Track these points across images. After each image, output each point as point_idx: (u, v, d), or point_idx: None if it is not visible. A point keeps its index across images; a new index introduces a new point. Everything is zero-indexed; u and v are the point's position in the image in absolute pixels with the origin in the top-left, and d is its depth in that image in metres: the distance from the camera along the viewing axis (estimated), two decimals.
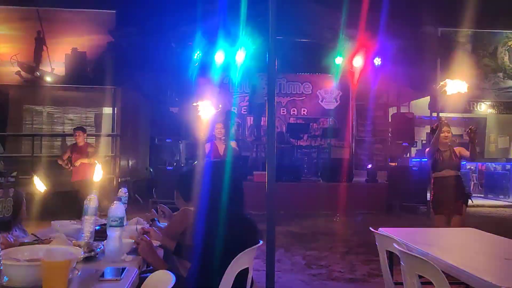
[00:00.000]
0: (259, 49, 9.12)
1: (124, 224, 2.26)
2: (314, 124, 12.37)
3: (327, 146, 11.36)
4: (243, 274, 2.15)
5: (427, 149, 5.17)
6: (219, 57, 9.72)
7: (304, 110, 12.35)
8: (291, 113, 12.34)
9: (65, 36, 10.32)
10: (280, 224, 7.56)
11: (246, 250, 2.09)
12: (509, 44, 11.49)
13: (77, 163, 6.90)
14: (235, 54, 9.59)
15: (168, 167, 9.60)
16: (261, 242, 2.31)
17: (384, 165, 11.15)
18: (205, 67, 10.12)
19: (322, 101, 12.32)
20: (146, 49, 9.39)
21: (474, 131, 4.78)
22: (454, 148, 4.94)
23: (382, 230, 3.20)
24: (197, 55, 9.84)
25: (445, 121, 5.12)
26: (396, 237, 2.95)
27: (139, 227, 2.64)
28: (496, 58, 11.49)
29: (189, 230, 2.32)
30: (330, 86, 12.19)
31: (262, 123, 11.18)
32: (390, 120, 11.91)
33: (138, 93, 10.99)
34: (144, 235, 2.37)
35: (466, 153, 4.83)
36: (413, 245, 2.82)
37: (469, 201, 5.00)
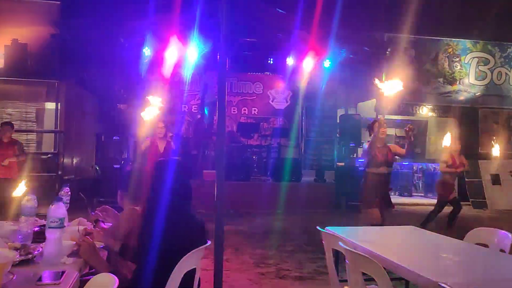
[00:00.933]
0: (211, 47, 9.06)
1: (65, 225, 2.16)
2: (265, 123, 12.47)
3: (277, 145, 11.49)
4: (190, 274, 2.12)
5: (366, 145, 5.33)
6: (170, 54, 9.54)
7: (255, 110, 12.41)
8: (242, 113, 12.36)
9: (5, 26, 9.72)
10: (229, 223, 7.54)
11: (193, 250, 2.06)
12: (449, 51, 12.14)
13: (5, 162, 6.46)
14: (186, 52, 9.47)
15: (115, 165, 9.32)
16: (209, 242, 2.29)
17: (332, 165, 11.43)
18: (155, 63, 9.91)
19: (272, 101, 12.44)
20: (92, 43, 9.05)
21: (412, 129, 5.00)
22: (389, 145, 5.17)
23: (328, 229, 3.27)
24: (147, 51, 9.62)
25: (382, 119, 5.33)
26: (342, 235, 3.03)
27: (81, 228, 2.53)
28: (437, 64, 12.10)
29: (135, 230, 2.26)
30: (281, 86, 12.34)
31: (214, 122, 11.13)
32: (338, 121, 12.21)
33: (84, 88, 10.57)
34: (87, 237, 2.28)
35: (401, 150, 5.07)
36: (358, 243, 2.90)
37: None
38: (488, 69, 12.17)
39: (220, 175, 3.53)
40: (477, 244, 3.21)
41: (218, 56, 3.64)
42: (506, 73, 12.23)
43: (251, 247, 6.08)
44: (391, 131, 14.46)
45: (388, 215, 5.02)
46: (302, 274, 4.87)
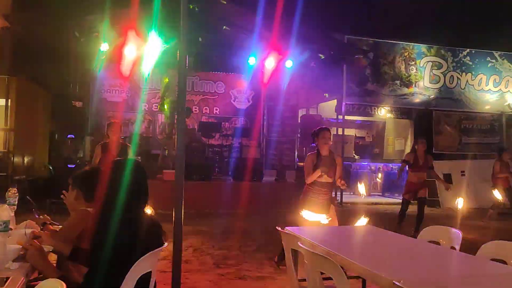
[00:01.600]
0: (171, 45, 8.89)
1: (11, 227, 2.04)
2: (226, 123, 12.42)
3: (238, 145, 11.47)
4: (145, 278, 2.06)
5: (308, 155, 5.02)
6: (128, 50, 9.28)
7: (216, 109, 12.33)
8: (204, 112, 12.26)
9: None
10: (190, 224, 7.45)
11: (149, 253, 2.00)
12: (405, 54, 12.52)
13: None
14: (146, 48, 9.24)
15: (70, 165, 8.99)
16: (165, 244, 2.23)
17: (293, 164, 11.54)
18: (112, 59, 9.63)
19: (234, 100, 12.41)
20: (46, 37, 8.67)
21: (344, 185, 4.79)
22: (335, 156, 4.85)
23: (288, 229, 3.28)
24: (103, 46, 9.31)
25: (325, 126, 5.07)
26: (302, 235, 3.04)
27: (28, 231, 2.40)
28: (394, 66, 12.46)
29: (86, 233, 2.16)
30: (243, 86, 12.33)
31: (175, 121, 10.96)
32: (299, 121, 12.35)
33: (37, 84, 10.11)
34: (34, 240, 2.16)
35: (339, 168, 4.77)
36: (316, 242, 2.92)
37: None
38: (441, 73, 12.65)
39: (179, 174, 3.47)
40: (430, 241, 3.31)
41: (177, 54, 3.58)
42: (457, 77, 12.76)
43: (212, 248, 6.02)
44: (351, 132, 14.79)
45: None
46: (263, 274, 4.87)
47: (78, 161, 9.51)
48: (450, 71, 12.74)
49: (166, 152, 10.13)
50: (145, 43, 8.83)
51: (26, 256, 2.00)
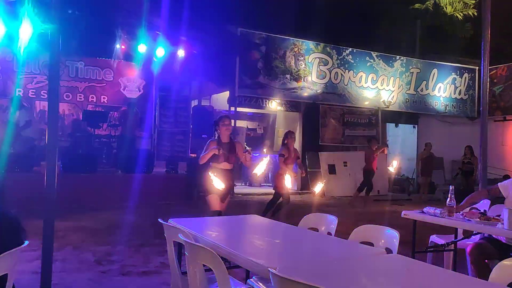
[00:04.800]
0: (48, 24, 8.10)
1: None
2: (115, 113, 11.79)
3: (129, 136, 10.95)
4: (1, 282, 1.83)
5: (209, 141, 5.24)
6: None
7: (104, 98, 11.61)
8: (89, 100, 11.46)
9: None
10: (71, 219, 6.96)
11: (3, 253, 1.78)
12: (295, 50, 13.05)
13: None
14: (19, 27, 8.30)
15: None
16: (26, 242, 2.01)
17: (185, 156, 11.39)
18: None
19: (124, 89, 11.81)
20: None
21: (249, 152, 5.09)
22: (235, 142, 5.16)
23: (171, 221, 3.20)
24: None
25: (226, 114, 5.45)
26: (184, 227, 2.98)
27: None
28: (285, 61, 12.92)
29: None
30: (133, 74, 11.78)
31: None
32: (191, 112, 12.20)
33: None
34: None
35: (241, 154, 5.09)
36: (199, 234, 2.88)
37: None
38: (327, 69, 13.45)
39: (51, 167, 3.18)
40: (309, 228, 3.49)
41: (48, 34, 3.26)
42: (341, 74, 13.67)
43: (94, 244, 5.68)
44: (243, 123, 15.06)
45: (225, 205, 5.12)
46: (148, 269, 4.72)
47: None
48: (335, 68, 13.58)
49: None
50: (16, 22, 7.91)
51: None
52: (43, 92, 10.62)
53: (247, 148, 5.17)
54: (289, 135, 7.37)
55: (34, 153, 8.98)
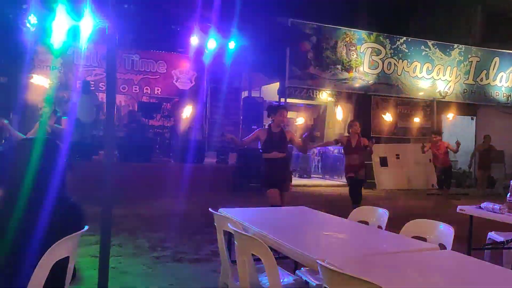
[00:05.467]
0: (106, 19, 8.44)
1: None
2: (168, 104, 12.15)
3: (180, 127, 11.26)
4: (62, 264, 1.96)
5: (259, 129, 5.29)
6: (59, 24, 8.70)
7: (158, 89, 11.99)
8: (144, 92, 11.88)
9: None
10: (126, 207, 7.26)
11: (64, 238, 1.90)
12: (347, 40, 12.79)
13: None
14: (79, 23, 8.73)
15: None
16: (86, 227, 2.13)
17: (235, 147, 11.52)
18: (42, 34, 9.01)
19: (176, 81, 12.13)
20: None
21: (310, 135, 5.09)
22: (286, 131, 5.14)
23: (222, 210, 3.27)
24: (32, 19, 8.67)
25: (284, 105, 5.38)
26: (234, 216, 3.04)
27: None
28: (336, 51, 12.70)
29: None
30: (186, 66, 12.06)
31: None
32: (241, 103, 12.32)
33: None
34: None
35: (297, 142, 5.10)
36: (248, 224, 2.92)
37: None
38: (380, 59, 13.08)
39: (108, 155, 3.33)
40: (359, 221, 3.43)
41: (107, 29, 3.39)
42: (394, 64, 13.25)
43: (149, 231, 5.91)
44: (293, 115, 15.00)
45: (286, 198, 5.10)
46: (199, 256, 4.85)
47: (3, 141, 8.89)
48: (388, 58, 13.18)
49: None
50: (78, 18, 8.34)
51: None
52: (101, 84, 11.12)
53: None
54: (349, 125, 7.26)
55: (93, 142, 9.44)
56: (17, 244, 1.79)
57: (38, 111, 7.05)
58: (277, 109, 5.09)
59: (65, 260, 1.95)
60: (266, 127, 5.20)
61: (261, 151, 5.11)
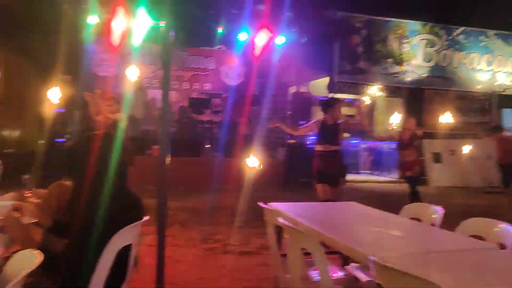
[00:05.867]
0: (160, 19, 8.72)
1: None
2: (217, 99, 12.35)
3: (229, 122, 11.42)
4: (126, 251, 2.08)
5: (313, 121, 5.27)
6: (118, 24, 9.07)
7: (207, 85, 12.24)
8: (194, 88, 12.16)
9: None
10: (178, 200, 7.50)
11: (128, 226, 2.02)
12: (399, 32, 12.44)
13: None
14: (135, 23, 9.06)
15: (59, 139, 8.93)
16: (147, 217, 2.25)
17: (283, 142, 11.55)
18: (102, 33, 9.46)
19: (225, 77, 12.31)
20: (34, 10, 8.49)
21: (364, 106, 5.04)
22: (340, 123, 5.09)
23: (271, 205, 3.31)
24: (92, 19, 9.13)
25: (339, 99, 5.31)
26: (284, 211, 3.08)
27: (8, 203, 2.41)
28: (387, 44, 12.38)
29: (65, 206, 2.17)
30: (234, 62, 12.21)
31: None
32: (290, 99, 12.30)
33: (25, 57, 9.96)
34: (13, 212, 2.17)
35: (352, 125, 5.05)
36: (298, 218, 2.95)
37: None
38: (434, 51, 12.61)
39: (162, 150, 3.47)
40: (411, 218, 3.36)
41: (163, 28, 3.53)
42: (450, 56, 12.72)
43: (199, 223, 6.08)
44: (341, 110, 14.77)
45: (338, 193, 5.05)
46: (248, 249, 4.94)
47: (67, 135, 9.44)
48: (443, 50, 12.70)
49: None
50: (133, 18, 8.65)
51: (4, 227, 2.02)
52: (155, 81, 11.49)
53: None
54: (405, 120, 7.13)
55: (147, 138, 9.79)
56: (87, 231, 1.92)
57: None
58: (332, 104, 5.08)
59: (127, 248, 2.08)
60: (321, 119, 5.15)
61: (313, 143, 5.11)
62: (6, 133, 9.19)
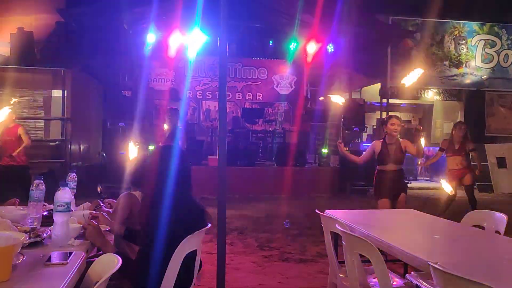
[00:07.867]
0: (213, 33, 9.05)
1: (72, 209, 2.26)
2: (269, 109, 12.51)
3: (282, 130, 11.54)
4: (191, 256, 2.22)
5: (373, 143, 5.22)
6: (174, 40, 9.53)
7: (259, 95, 12.44)
8: (247, 98, 12.41)
9: (11, 14, 9.80)
10: (234, 208, 7.66)
11: (194, 232, 2.15)
12: (455, 33, 12.03)
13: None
14: (190, 38, 9.46)
15: (121, 152, 9.42)
16: (209, 225, 2.38)
17: (337, 149, 11.45)
18: (159, 49, 9.96)
19: (277, 86, 12.45)
20: (97, 30, 9.08)
21: (420, 130, 4.95)
22: (401, 141, 4.96)
23: (327, 212, 3.35)
24: (150, 37, 9.64)
25: (394, 114, 5.28)
26: (340, 218, 3.11)
27: (86, 212, 2.63)
28: (443, 47, 12.01)
29: (136, 214, 2.35)
30: (285, 71, 12.33)
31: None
32: (342, 106, 12.19)
33: (89, 76, 10.65)
34: (92, 220, 2.38)
35: (412, 149, 4.91)
36: (355, 225, 2.98)
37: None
38: (495, 51, 12.06)
39: (222, 159, 3.61)
40: (473, 226, 3.27)
41: (218, 41, 3.69)
42: None
43: (256, 231, 6.19)
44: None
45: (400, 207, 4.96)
46: (305, 257, 4.98)
47: (130, 147, 9.92)
48: (504, 49, 12.13)
49: (212, 139, 10.30)
50: (188, 35, 9.06)
51: (85, 234, 2.22)
52: (208, 93, 11.87)
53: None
54: (454, 126, 6.92)
55: (203, 148, 10.10)
56: (157, 238, 2.08)
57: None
58: (387, 120, 5.05)
59: (194, 253, 2.21)
60: (382, 138, 5.12)
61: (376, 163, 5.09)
62: (73, 147, 9.83)
